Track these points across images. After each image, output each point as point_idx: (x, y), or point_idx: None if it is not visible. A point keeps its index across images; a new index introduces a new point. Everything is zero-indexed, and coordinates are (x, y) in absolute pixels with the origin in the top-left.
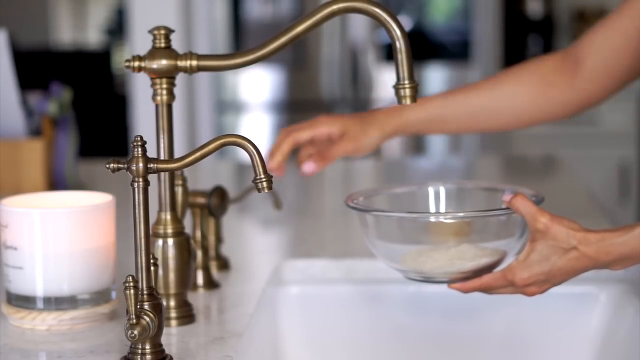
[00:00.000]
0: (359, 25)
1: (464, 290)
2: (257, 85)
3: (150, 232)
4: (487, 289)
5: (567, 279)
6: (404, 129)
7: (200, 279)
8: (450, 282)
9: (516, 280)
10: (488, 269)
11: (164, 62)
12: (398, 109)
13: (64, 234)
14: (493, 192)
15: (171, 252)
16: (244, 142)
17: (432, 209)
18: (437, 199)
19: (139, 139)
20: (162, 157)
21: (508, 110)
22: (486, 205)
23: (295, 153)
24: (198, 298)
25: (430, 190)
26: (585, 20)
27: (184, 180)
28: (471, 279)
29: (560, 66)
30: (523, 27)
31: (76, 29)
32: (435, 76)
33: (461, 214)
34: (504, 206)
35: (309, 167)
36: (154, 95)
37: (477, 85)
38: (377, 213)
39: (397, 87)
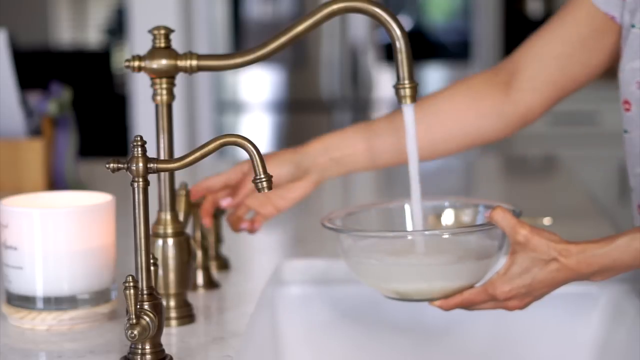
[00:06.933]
0: (359, 25)
1: (446, 308)
2: (257, 85)
3: (150, 232)
4: (469, 305)
5: (548, 292)
6: (325, 169)
7: (200, 279)
8: (430, 300)
9: (497, 294)
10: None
11: (164, 62)
12: (317, 142)
13: (64, 234)
14: (472, 208)
15: (171, 252)
16: (244, 142)
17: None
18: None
19: (138, 138)
20: (162, 157)
21: (438, 129)
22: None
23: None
24: (198, 298)
25: (407, 208)
26: None
27: (187, 191)
28: (452, 295)
29: (491, 78)
30: (523, 27)
31: (76, 28)
32: (435, 76)
33: (437, 231)
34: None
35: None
36: (154, 95)
37: (388, 116)
38: (356, 233)
39: (397, 87)
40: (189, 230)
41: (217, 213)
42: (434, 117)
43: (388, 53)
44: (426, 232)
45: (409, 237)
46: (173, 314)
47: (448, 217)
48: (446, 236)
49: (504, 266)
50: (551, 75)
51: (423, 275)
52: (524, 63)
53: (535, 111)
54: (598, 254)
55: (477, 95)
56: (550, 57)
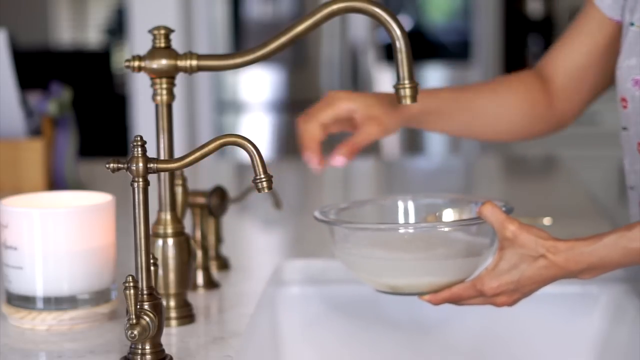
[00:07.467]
0: (359, 25)
1: (435, 302)
2: (257, 85)
3: (150, 232)
4: (457, 300)
5: (537, 289)
6: (417, 116)
7: (200, 279)
8: (420, 294)
9: (485, 289)
10: (458, 281)
11: (164, 62)
12: None
13: (64, 234)
14: (464, 204)
15: (171, 252)
16: (244, 142)
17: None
18: (406, 213)
19: (138, 138)
20: (162, 157)
21: (505, 119)
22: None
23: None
24: (198, 298)
25: (400, 204)
26: None
27: (184, 180)
28: (441, 290)
29: (540, 84)
30: (523, 27)
31: (76, 29)
32: (435, 76)
33: (429, 225)
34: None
35: (339, 161)
36: (154, 95)
37: (479, 87)
38: (348, 225)
39: (397, 87)
40: (188, 230)
41: (218, 213)
42: (477, 119)
43: (388, 53)
44: (416, 226)
45: (400, 231)
46: (173, 314)
47: (447, 217)
48: (435, 231)
49: (492, 262)
50: (579, 86)
51: (413, 270)
52: (553, 74)
53: (569, 117)
54: (586, 251)
55: (534, 98)
56: (575, 69)
